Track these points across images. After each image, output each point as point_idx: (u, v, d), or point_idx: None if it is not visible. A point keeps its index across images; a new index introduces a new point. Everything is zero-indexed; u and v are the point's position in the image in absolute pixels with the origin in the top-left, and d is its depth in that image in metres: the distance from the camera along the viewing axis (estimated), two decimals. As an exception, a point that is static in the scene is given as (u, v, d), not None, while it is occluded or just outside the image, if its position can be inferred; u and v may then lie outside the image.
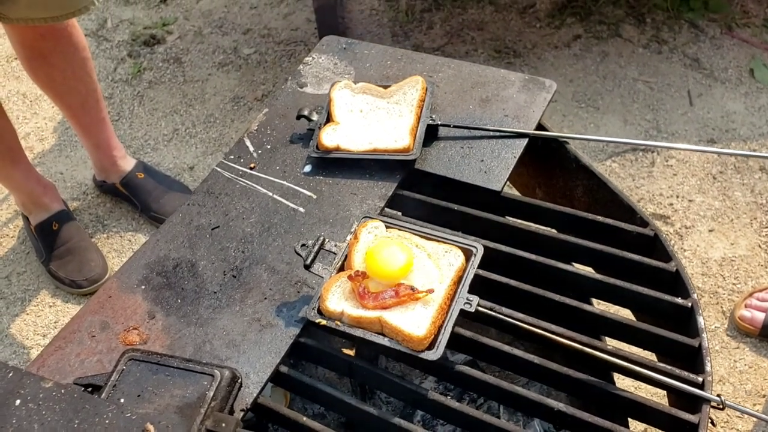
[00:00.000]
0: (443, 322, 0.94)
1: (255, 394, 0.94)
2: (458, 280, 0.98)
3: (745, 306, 1.89)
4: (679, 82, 2.46)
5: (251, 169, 1.22)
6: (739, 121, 2.34)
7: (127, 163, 2.25)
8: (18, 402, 0.70)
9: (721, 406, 0.87)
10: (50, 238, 2.17)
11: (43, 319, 2.11)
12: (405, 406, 1.22)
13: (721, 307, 1.95)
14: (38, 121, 2.62)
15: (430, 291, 0.96)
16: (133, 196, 2.25)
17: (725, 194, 2.17)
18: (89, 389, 0.92)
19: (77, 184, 2.40)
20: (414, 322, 0.93)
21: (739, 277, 2.00)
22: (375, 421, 0.94)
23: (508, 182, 1.37)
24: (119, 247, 2.22)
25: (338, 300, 0.98)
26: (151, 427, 0.66)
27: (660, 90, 2.44)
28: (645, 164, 2.25)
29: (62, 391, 0.69)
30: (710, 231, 2.09)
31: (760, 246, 2.05)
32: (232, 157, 1.24)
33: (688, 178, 2.21)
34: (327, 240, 1.04)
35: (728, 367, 1.84)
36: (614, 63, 2.53)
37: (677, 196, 2.17)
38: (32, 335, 2.08)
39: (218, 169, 1.22)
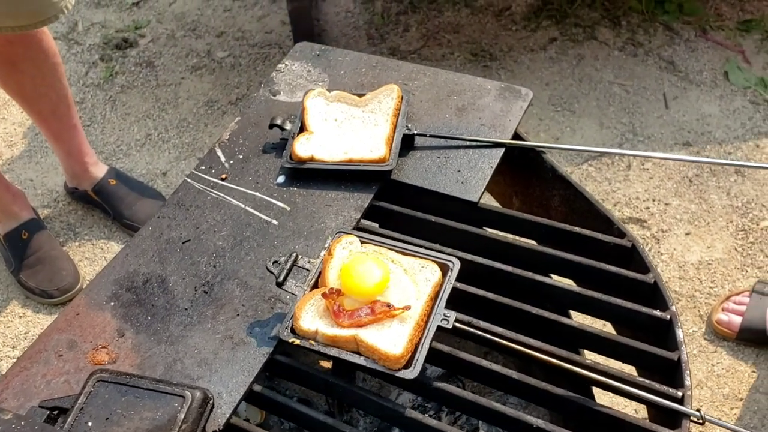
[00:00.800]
0: (420, 339, 0.93)
1: (228, 415, 0.92)
2: (435, 296, 0.97)
3: (722, 310, 1.90)
4: (655, 85, 2.47)
5: (223, 180, 1.19)
6: (714, 123, 2.35)
7: (99, 170, 2.21)
8: (-25, 436, 0.67)
9: (700, 421, 0.87)
10: (20, 247, 2.12)
11: (13, 330, 2.06)
12: (381, 424, 1.20)
13: (699, 311, 1.95)
14: (7, 127, 2.57)
15: (407, 308, 0.94)
16: (105, 203, 2.21)
17: (701, 197, 2.17)
18: (55, 412, 0.90)
19: (48, 191, 2.35)
20: (390, 341, 0.91)
21: (716, 281, 2.01)
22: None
23: (485, 191, 1.36)
24: (91, 255, 2.18)
25: (312, 318, 0.96)
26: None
27: (636, 93, 2.45)
28: (621, 168, 2.26)
29: (22, 423, 0.66)
30: (687, 234, 2.10)
31: (736, 249, 2.06)
32: (203, 167, 1.21)
33: (664, 181, 2.22)
34: (300, 256, 1.02)
35: (706, 371, 1.85)
36: (590, 66, 2.54)
37: (654, 200, 2.18)
38: (1, 347, 2.03)
39: (189, 180, 1.20)
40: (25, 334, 2.05)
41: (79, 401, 0.89)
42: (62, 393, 0.94)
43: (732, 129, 2.33)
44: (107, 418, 0.87)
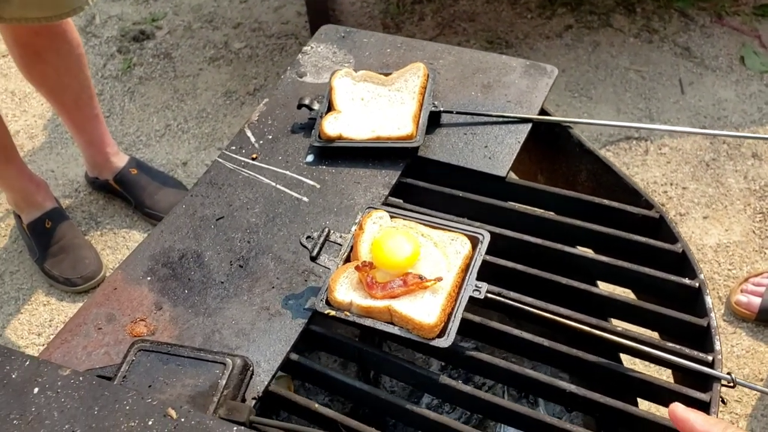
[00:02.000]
0: (453, 309, 0.94)
1: (266, 382, 0.94)
2: (466, 268, 0.98)
3: (741, 291, 1.91)
4: (671, 70, 2.47)
5: (253, 159, 1.21)
6: (730, 108, 2.35)
7: (120, 160, 2.24)
8: (36, 390, 0.69)
9: (731, 384, 0.88)
10: (43, 236, 2.15)
11: (38, 317, 2.09)
12: (411, 392, 1.22)
13: (718, 293, 1.96)
14: (28, 119, 2.60)
15: (439, 279, 0.96)
16: (126, 192, 2.23)
17: (718, 181, 2.18)
18: (98, 381, 0.92)
19: (69, 182, 2.38)
20: (424, 310, 0.93)
21: (734, 263, 2.02)
22: (385, 405, 0.94)
23: (511, 170, 1.38)
24: (113, 244, 2.21)
25: (346, 291, 0.98)
26: (172, 411, 0.66)
27: (652, 79, 2.46)
28: (639, 153, 2.27)
29: (80, 378, 0.69)
30: (704, 218, 2.11)
31: (754, 231, 2.07)
32: (233, 147, 1.23)
33: (681, 165, 2.23)
34: (332, 231, 1.04)
35: (726, 352, 1.86)
36: (606, 53, 2.55)
37: (671, 184, 2.19)
38: (27, 334, 2.06)
39: (220, 160, 1.22)
40: (49, 321, 2.08)
41: (121, 369, 0.90)
42: (103, 364, 0.96)
43: (748, 113, 2.34)
44: (150, 386, 0.89)
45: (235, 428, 0.66)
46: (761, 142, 2.25)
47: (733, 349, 1.87)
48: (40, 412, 0.66)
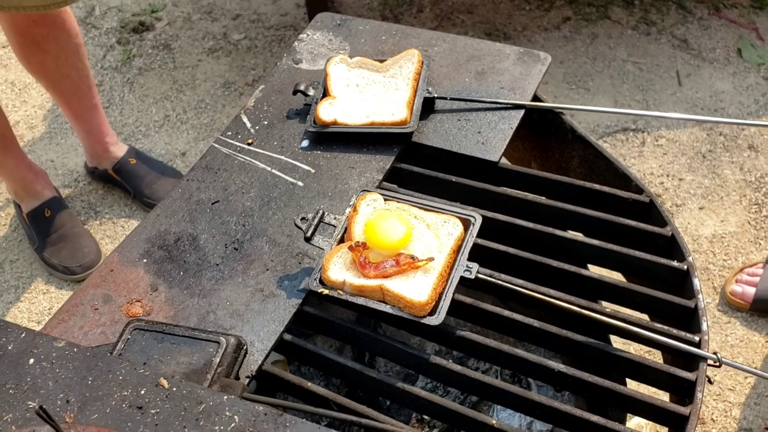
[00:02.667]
0: (444, 289, 0.96)
1: (260, 362, 0.95)
2: (457, 249, 1.00)
3: (736, 281, 1.92)
4: (668, 62, 2.48)
5: (249, 144, 1.22)
6: (727, 100, 2.36)
7: (119, 149, 2.25)
8: (32, 361, 0.71)
9: (717, 364, 0.89)
10: (43, 225, 2.16)
11: (37, 306, 2.10)
12: (406, 376, 1.24)
13: (713, 283, 1.97)
14: (27, 109, 2.61)
15: (431, 259, 0.97)
16: (125, 182, 2.24)
17: (715, 172, 2.19)
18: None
19: (68, 172, 2.40)
20: (415, 289, 0.94)
21: (729, 254, 2.03)
22: (378, 386, 0.95)
23: (503, 157, 1.39)
24: (112, 233, 2.22)
25: (339, 270, 0.99)
26: (164, 381, 0.67)
27: (649, 71, 2.46)
28: (635, 144, 2.28)
29: (75, 349, 0.70)
30: (700, 209, 2.12)
31: (749, 222, 2.08)
32: (229, 133, 1.25)
33: (678, 157, 2.24)
34: (326, 213, 1.05)
35: (720, 341, 1.87)
36: (604, 44, 2.55)
37: (667, 175, 2.20)
38: (26, 322, 2.07)
39: (216, 146, 1.23)
40: (49, 310, 2.09)
41: (117, 348, 0.92)
42: (99, 343, 0.98)
43: (745, 105, 2.35)
44: (145, 363, 0.90)
45: (225, 397, 0.67)
46: (757, 135, 2.26)
47: (727, 338, 1.88)
48: (35, 382, 0.68)
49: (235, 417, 0.65)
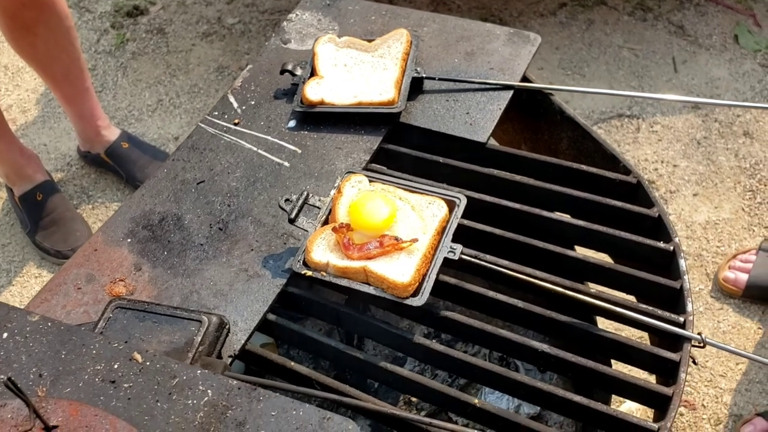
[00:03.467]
0: (427, 270, 0.95)
1: (243, 341, 0.94)
2: (442, 231, 0.99)
3: (729, 267, 1.91)
4: (664, 49, 2.46)
5: (235, 124, 1.21)
6: (723, 87, 2.35)
7: (112, 133, 2.24)
8: (5, 335, 0.70)
9: (701, 344, 0.89)
10: (35, 209, 2.15)
11: (29, 290, 2.10)
12: (395, 359, 1.23)
13: (705, 270, 1.97)
14: (20, 93, 2.60)
15: (415, 240, 0.96)
16: (118, 166, 2.23)
17: (709, 159, 2.18)
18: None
19: (61, 156, 2.39)
20: (398, 271, 0.94)
21: (723, 240, 2.02)
22: (363, 367, 0.95)
23: (495, 139, 1.38)
24: (104, 217, 2.21)
25: (323, 252, 0.98)
26: (138, 355, 0.67)
27: (645, 57, 2.45)
28: (630, 130, 2.27)
29: (48, 324, 0.70)
30: (694, 195, 2.11)
31: (743, 209, 2.07)
32: (216, 113, 1.24)
33: (672, 143, 2.23)
34: (311, 195, 1.05)
35: (712, 327, 1.87)
36: (600, 31, 2.54)
37: (662, 162, 2.19)
38: (19, 306, 2.06)
39: (202, 125, 1.22)
40: (41, 293, 2.08)
41: (98, 326, 0.91)
42: (81, 322, 0.97)
43: (741, 92, 2.33)
44: (126, 342, 0.89)
45: (198, 371, 0.66)
46: (753, 121, 2.25)
47: (720, 325, 1.88)
48: (8, 356, 0.67)
49: (209, 391, 0.64)
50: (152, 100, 2.50)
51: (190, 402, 0.63)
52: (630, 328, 1.06)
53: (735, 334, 1.86)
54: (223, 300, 0.99)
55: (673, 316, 0.92)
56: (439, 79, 1.20)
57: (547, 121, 1.21)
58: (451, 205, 1.01)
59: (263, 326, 0.99)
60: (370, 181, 1.05)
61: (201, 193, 1.12)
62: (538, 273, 0.97)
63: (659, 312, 0.93)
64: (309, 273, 0.97)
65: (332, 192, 1.05)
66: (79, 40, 2.59)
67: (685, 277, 0.95)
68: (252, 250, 1.05)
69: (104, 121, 2.22)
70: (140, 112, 2.48)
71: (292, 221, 1.03)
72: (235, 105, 1.24)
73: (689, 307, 0.92)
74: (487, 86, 1.18)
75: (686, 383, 1.76)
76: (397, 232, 0.98)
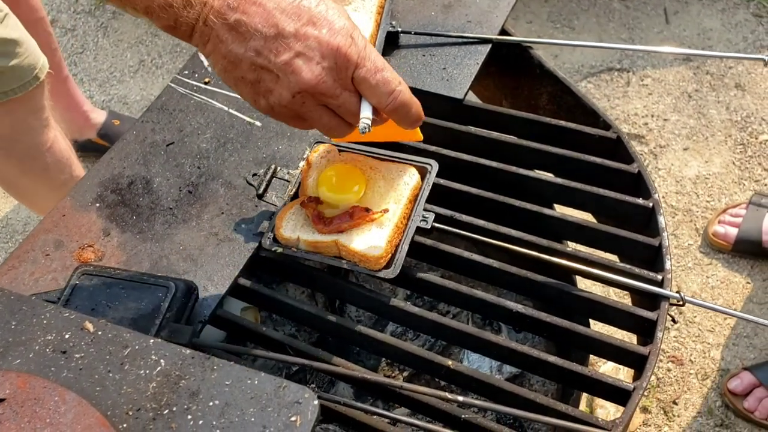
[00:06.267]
0: (400, 240, 0.93)
1: (213, 306, 0.93)
2: (414, 199, 0.96)
3: (719, 222, 1.90)
4: (656, -1, 2.41)
5: (206, 83, 1.18)
6: (715, 38, 2.30)
7: (100, 115, 2.19)
8: (-49, 307, 0.68)
9: (681, 303, 0.87)
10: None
11: None
12: (376, 321, 1.22)
13: (695, 225, 1.95)
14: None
15: (385, 211, 0.94)
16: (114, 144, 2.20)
17: (700, 112, 2.15)
18: (43, 306, 0.91)
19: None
20: (370, 243, 0.91)
21: (713, 195, 2.00)
22: (339, 331, 0.93)
23: (476, 96, 1.34)
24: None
25: (293, 227, 0.96)
26: (89, 324, 0.65)
27: (636, 8, 2.39)
28: (620, 84, 2.23)
29: (11, 297, 0.68)
30: (685, 149, 2.08)
31: (734, 163, 2.05)
32: (186, 72, 1.20)
33: (663, 97, 2.19)
34: (279, 168, 1.02)
35: (700, 283, 1.86)
36: (590, -19, 2.47)
37: (652, 116, 2.15)
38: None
39: (172, 85, 1.18)
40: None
41: (64, 294, 0.90)
42: (50, 289, 0.95)
43: (734, 43, 2.28)
44: (93, 309, 0.88)
45: (151, 341, 0.65)
46: (744, 73, 2.21)
47: (708, 280, 1.87)
48: (-45, 329, 0.65)
49: (161, 360, 0.63)
50: (134, 60, 2.45)
51: (142, 372, 0.62)
52: (614, 288, 1.05)
53: (723, 289, 1.85)
54: (193, 265, 0.97)
55: (651, 275, 0.90)
56: (415, 33, 1.16)
57: (527, 75, 1.18)
58: (423, 172, 0.98)
59: (236, 291, 0.97)
60: (340, 152, 1.02)
61: (170, 155, 1.10)
62: (514, 233, 0.95)
63: (636, 270, 0.91)
64: (280, 250, 0.95)
65: (301, 164, 1.02)
66: (58, 0, 2.54)
67: (665, 234, 0.93)
68: (222, 213, 1.02)
69: (88, 104, 2.18)
70: (122, 74, 2.43)
71: (260, 197, 1.01)
72: (206, 63, 1.21)
73: (667, 265, 0.90)
74: (465, 40, 1.14)
75: (675, 339, 1.76)
76: (369, 203, 0.96)
